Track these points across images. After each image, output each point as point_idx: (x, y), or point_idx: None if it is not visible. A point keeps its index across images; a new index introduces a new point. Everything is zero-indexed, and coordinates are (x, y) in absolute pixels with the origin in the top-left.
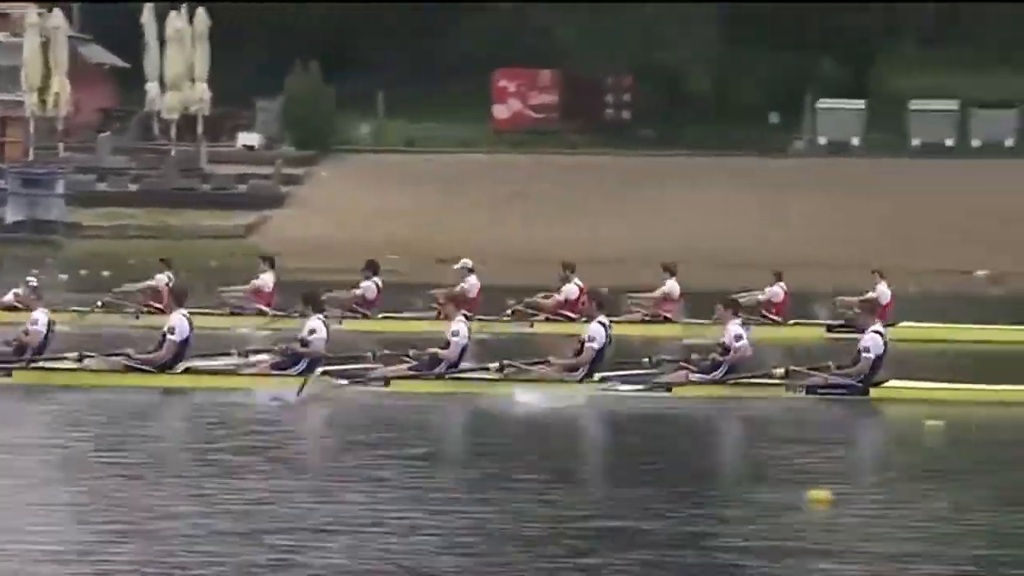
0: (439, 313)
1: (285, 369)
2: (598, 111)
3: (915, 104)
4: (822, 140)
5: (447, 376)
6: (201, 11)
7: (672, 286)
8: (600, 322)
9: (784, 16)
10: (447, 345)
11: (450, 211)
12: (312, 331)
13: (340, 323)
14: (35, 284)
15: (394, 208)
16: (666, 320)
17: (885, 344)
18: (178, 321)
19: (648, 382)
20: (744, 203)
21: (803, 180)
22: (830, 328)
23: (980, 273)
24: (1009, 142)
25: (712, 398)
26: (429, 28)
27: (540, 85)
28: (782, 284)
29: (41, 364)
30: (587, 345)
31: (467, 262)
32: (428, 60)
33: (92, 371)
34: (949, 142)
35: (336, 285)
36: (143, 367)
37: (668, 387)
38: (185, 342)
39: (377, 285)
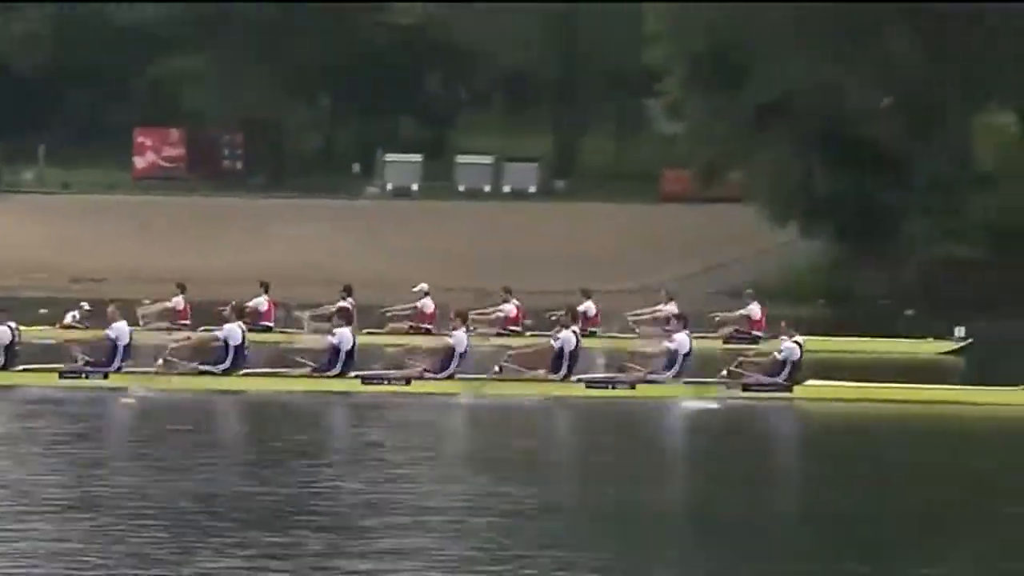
0: (411, 328)
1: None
2: (217, 162)
3: (460, 158)
4: (389, 186)
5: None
6: None
7: (588, 306)
8: (574, 331)
9: (377, 85)
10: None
11: (94, 241)
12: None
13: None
14: (88, 308)
15: (46, 238)
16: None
17: (801, 350)
18: (230, 329)
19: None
20: (338, 235)
21: (379, 217)
22: (726, 340)
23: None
24: (532, 188)
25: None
26: (81, 93)
27: (170, 141)
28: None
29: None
30: (555, 347)
31: (424, 286)
32: (82, 120)
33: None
34: (487, 188)
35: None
36: (212, 371)
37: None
38: (240, 347)
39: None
